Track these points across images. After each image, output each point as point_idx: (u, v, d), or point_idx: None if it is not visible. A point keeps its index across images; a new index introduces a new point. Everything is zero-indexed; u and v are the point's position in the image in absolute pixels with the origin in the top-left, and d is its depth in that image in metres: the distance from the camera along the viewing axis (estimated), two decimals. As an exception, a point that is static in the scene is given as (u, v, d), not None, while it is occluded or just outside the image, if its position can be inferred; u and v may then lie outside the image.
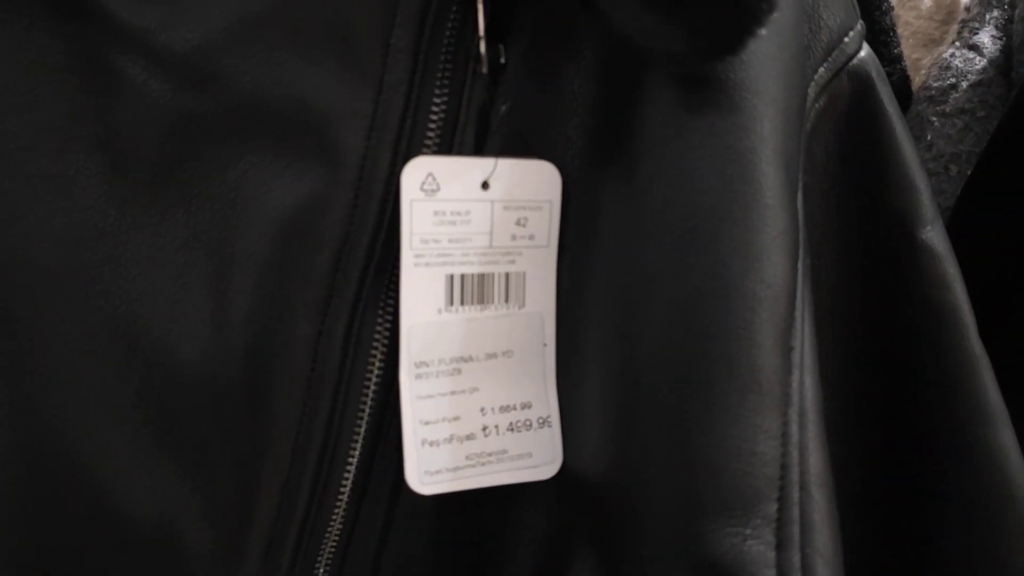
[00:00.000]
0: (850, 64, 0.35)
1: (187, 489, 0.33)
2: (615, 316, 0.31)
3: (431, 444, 0.33)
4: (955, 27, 0.48)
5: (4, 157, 0.30)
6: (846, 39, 0.35)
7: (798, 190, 0.31)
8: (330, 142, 0.31)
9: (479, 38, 0.31)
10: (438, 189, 0.32)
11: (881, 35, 0.45)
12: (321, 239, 0.32)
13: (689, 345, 0.29)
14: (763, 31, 0.27)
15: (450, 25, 0.31)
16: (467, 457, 0.34)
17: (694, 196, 0.29)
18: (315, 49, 0.31)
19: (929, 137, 0.46)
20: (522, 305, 0.34)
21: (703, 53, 0.28)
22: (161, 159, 0.31)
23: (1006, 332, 0.40)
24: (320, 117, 0.31)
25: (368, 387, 0.33)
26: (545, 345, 0.35)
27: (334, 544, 0.35)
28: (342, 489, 0.34)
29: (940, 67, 0.47)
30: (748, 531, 0.28)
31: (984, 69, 0.46)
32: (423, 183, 0.32)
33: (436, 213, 0.32)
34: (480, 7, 0.31)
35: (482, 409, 0.34)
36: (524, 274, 0.34)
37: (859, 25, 0.36)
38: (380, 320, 0.33)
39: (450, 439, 0.34)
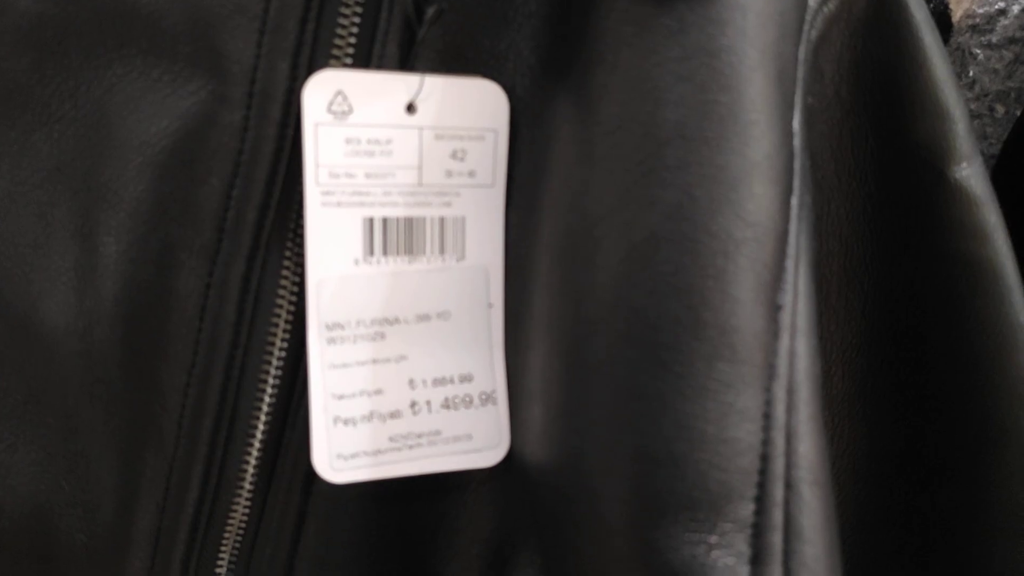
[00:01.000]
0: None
1: (56, 471, 0.29)
2: (558, 267, 0.25)
3: (345, 422, 0.28)
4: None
5: None
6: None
7: (795, 108, 0.24)
8: (210, 47, 0.26)
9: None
10: (350, 111, 0.27)
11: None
12: (205, 169, 0.26)
13: (642, 301, 0.22)
14: None
15: None
16: (391, 439, 0.29)
17: (655, 111, 0.23)
18: None
19: (972, 73, 0.39)
20: (461, 257, 0.29)
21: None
22: (17, 74, 0.27)
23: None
24: (196, 14, 0.25)
25: (271, 351, 0.28)
26: (491, 306, 0.29)
27: (239, 539, 0.30)
28: (241, 474, 0.29)
29: (987, -8, 0.40)
30: (714, 539, 0.21)
31: (1040, -7, 0.39)
32: (331, 103, 0.26)
33: (348, 141, 0.27)
34: None
35: (411, 381, 0.29)
36: (463, 219, 0.29)
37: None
38: (286, 273, 0.28)
39: (370, 417, 0.28)
